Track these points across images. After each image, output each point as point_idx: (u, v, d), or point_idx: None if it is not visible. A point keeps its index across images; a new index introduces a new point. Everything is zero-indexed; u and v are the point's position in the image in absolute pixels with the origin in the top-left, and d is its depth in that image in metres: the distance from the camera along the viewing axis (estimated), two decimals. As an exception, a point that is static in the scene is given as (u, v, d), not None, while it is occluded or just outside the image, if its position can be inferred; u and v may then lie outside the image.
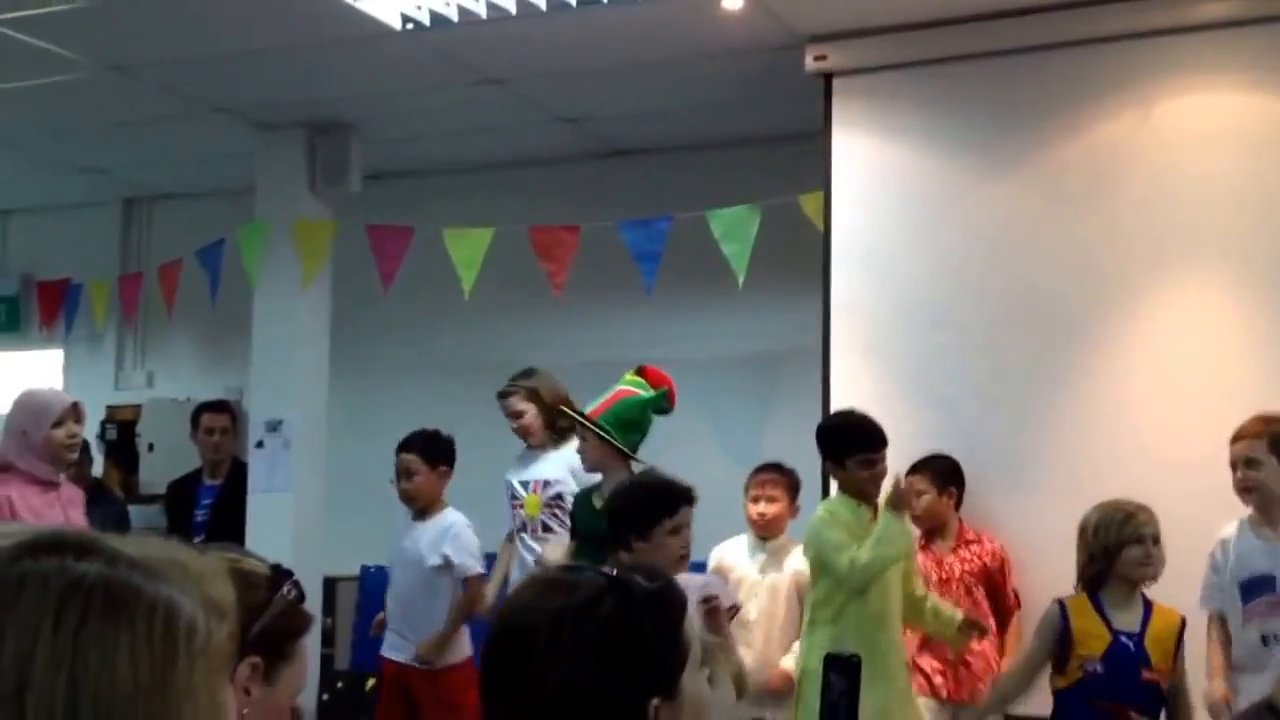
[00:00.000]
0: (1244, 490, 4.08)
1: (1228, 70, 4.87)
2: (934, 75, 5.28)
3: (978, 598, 4.70)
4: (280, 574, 1.88)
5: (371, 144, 6.57)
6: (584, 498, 4.60)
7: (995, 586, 4.74)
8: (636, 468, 4.54)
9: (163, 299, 6.82)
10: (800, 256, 5.61)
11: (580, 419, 4.51)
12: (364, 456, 6.75)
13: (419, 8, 5.09)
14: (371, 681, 6.19)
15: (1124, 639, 3.74)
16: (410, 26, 5.20)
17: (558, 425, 5.08)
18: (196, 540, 5.60)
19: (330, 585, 6.61)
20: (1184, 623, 3.83)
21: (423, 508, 5.18)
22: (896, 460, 4.92)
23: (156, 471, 7.32)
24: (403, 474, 5.16)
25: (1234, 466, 4.11)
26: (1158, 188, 4.89)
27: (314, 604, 5.98)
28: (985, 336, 5.07)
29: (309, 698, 5.89)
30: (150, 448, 7.58)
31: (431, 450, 5.17)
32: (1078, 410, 4.88)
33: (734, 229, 5.62)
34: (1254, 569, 4.07)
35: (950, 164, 5.24)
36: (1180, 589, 4.06)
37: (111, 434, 7.78)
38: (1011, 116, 5.15)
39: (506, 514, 5.29)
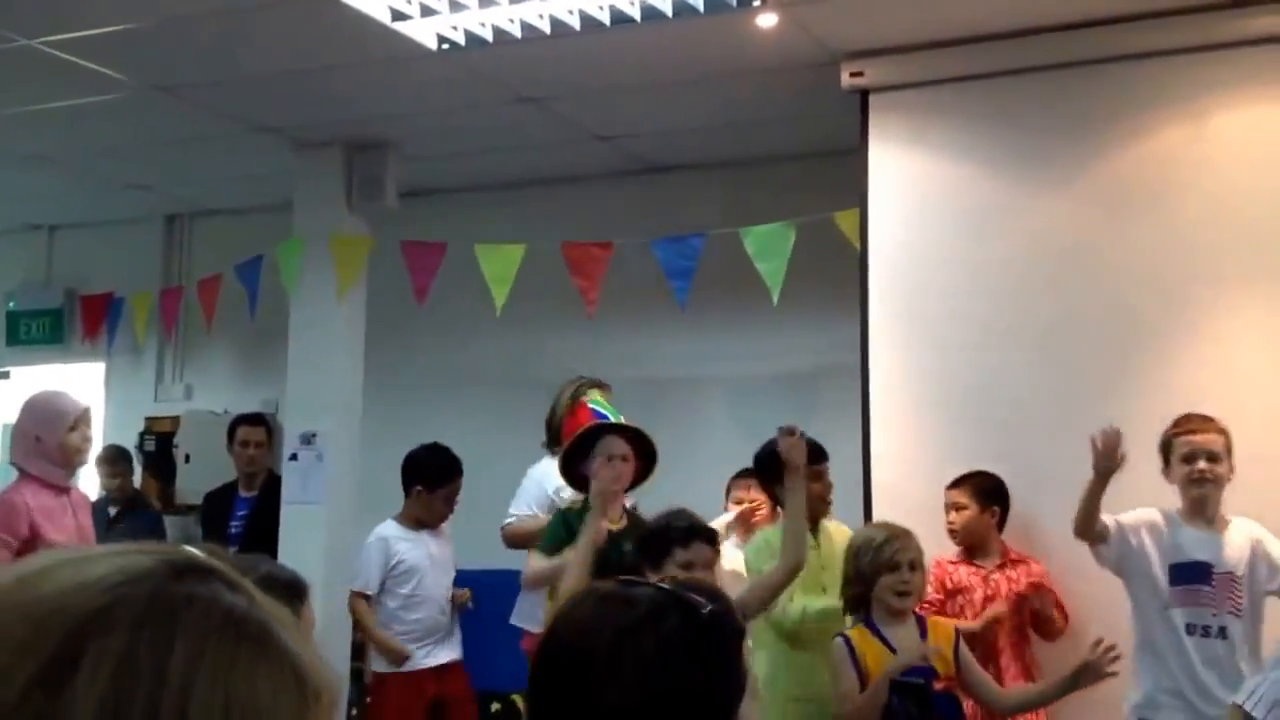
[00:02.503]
0: (1199, 481, 4.18)
1: (1277, 85, 4.76)
2: (973, 90, 5.17)
3: (1025, 618, 4.58)
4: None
5: (408, 161, 6.61)
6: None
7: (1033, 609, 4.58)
8: None
9: (202, 313, 6.89)
10: (836, 273, 5.57)
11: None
12: (396, 469, 6.82)
13: (455, 29, 5.13)
14: None
15: (907, 677, 3.72)
16: (446, 47, 5.24)
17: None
18: (230, 551, 5.67)
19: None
20: (957, 631, 3.88)
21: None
22: (937, 479, 4.85)
23: (193, 482, 7.37)
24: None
25: (1191, 459, 4.18)
26: (1212, 201, 4.78)
27: (343, 617, 6.03)
28: (1030, 354, 4.97)
29: (340, 711, 5.89)
30: (187, 459, 7.62)
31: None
32: (1131, 430, 4.62)
33: (768, 246, 5.59)
34: (1190, 555, 4.17)
35: (992, 179, 5.15)
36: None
37: (150, 445, 7.85)
38: (1056, 131, 5.05)
39: None
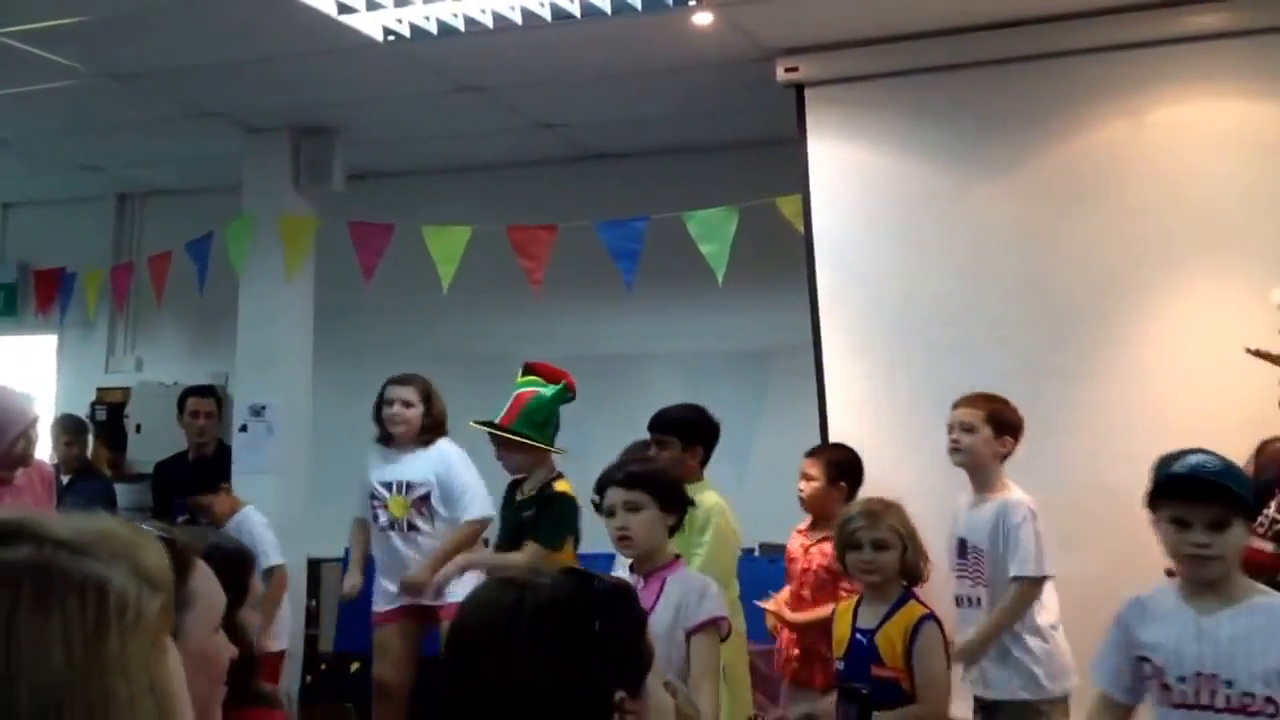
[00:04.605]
0: (951, 451, 4.29)
1: (1218, 79, 4.88)
2: (908, 85, 5.27)
3: (821, 597, 4.48)
4: None
5: (355, 146, 6.69)
6: (509, 493, 4.83)
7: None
8: (558, 459, 4.79)
9: (152, 288, 6.97)
10: (781, 255, 5.68)
11: (496, 430, 4.68)
12: (348, 441, 6.92)
13: (400, 21, 5.21)
14: (356, 665, 6.29)
15: (859, 635, 3.70)
16: (392, 38, 5.32)
17: (428, 430, 5.30)
18: (180, 520, 5.81)
19: (315, 567, 6.69)
20: (920, 621, 3.64)
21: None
22: (891, 454, 4.95)
23: (144, 452, 7.47)
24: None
25: (950, 429, 4.30)
26: (1150, 191, 4.89)
27: (299, 586, 6.15)
28: (978, 335, 5.04)
29: (293, 680, 6.01)
30: (138, 429, 7.73)
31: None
32: (1065, 408, 4.82)
33: (711, 229, 5.69)
34: (954, 532, 4.34)
35: (932, 168, 5.22)
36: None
37: (101, 415, 7.93)
38: (995, 123, 5.15)
39: (359, 505, 5.48)
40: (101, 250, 7.99)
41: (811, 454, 4.83)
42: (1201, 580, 2.86)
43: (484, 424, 4.79)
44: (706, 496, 4.51)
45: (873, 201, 5.34)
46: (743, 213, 5.65)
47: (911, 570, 3.74)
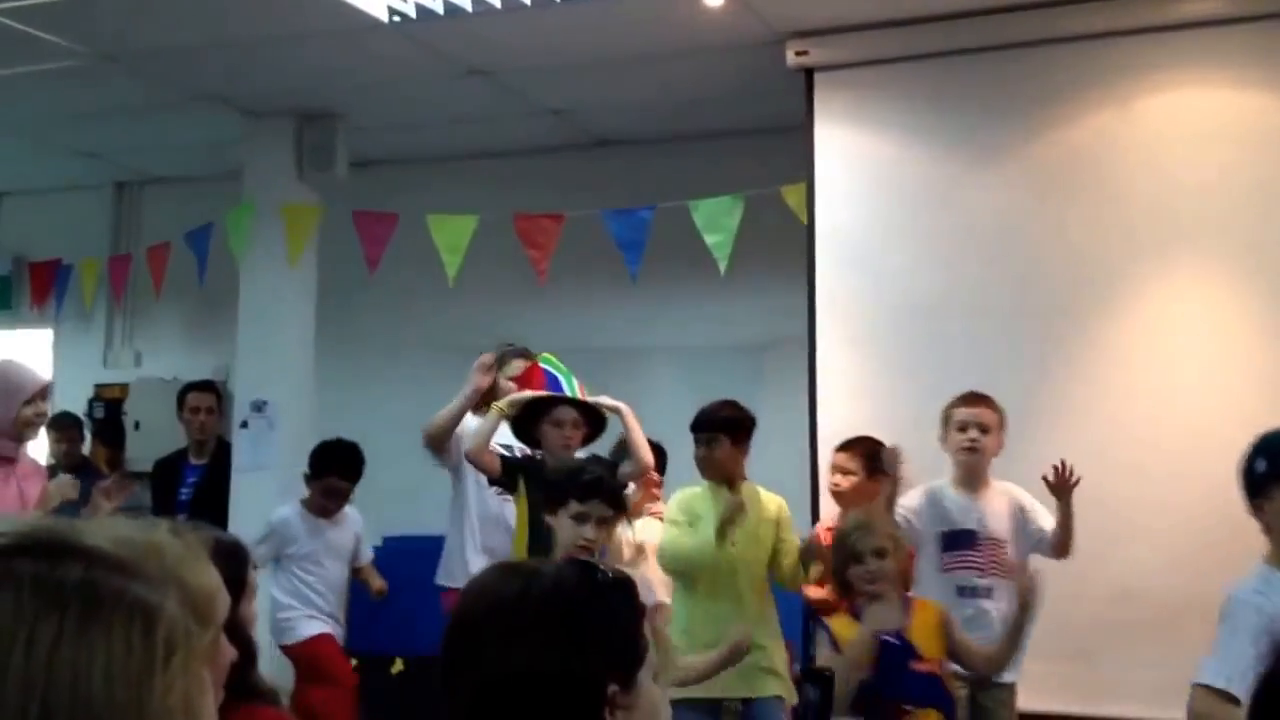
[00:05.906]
0: (969, 450, 4.38)
1: (1208, 67, 4.93)
2: (916, 70, 5.33)
3: None
4: None
5: (359, 132, 6.65)
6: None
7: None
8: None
9: (151, 280, 6.89)
10: (785, 246, 5.66)
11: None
12: (352, 435, 6.84)
13: (405, 1, 5.17)
14: (354, 662, 6.13)
15: (887, 638, 3.65)
16: (397, 19, 5.28)
17: None
18: (180, 518, 5.71)
19: (317, 566, 6.65)
20: (945, 615, 3.77)
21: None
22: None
23: (143, 449, 7.38)
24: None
25: (964, 427, 4.39)
26: (1143, 179, 4.94)
27: None
28: (970, 324, 5.08)
29: (290, 676, 5.90)
30: (137, 426, 7.66)
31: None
32: (1064, 398, 4.88)
33: (716, 219, 5.68)
34: (957, 523, 4.40)
35: (934, 157, 5.27)
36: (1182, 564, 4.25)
37: (99, 412, 7.87)
38: (995, 110, 5.19)
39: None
40: (99, 241, 7.91)
41: (845, 448, 4.76)
42: None
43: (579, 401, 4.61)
44: (759, 490, 4.55)
45: (872, 190, 5.40)
46: (748, 202, 5.63)
47: (906, 574, 3.77)
